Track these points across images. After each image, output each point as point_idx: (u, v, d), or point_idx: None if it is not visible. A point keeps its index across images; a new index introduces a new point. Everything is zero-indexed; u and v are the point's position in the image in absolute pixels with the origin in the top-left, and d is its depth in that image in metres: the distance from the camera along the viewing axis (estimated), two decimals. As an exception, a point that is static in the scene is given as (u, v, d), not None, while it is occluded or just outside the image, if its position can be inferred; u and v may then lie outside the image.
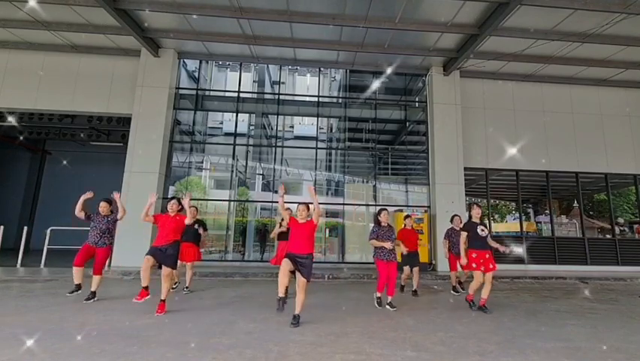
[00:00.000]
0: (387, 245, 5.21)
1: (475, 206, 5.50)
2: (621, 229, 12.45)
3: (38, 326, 3.97)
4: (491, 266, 5.19)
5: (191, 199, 5.03)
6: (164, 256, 4.71)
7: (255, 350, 3.33)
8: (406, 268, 6.44)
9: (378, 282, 5.36)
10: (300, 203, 4.61)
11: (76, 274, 5.32)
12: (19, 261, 8.85)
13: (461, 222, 6.26)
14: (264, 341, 3.60)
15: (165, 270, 4.68)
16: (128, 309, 4.88)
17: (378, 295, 5.34)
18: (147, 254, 4.68)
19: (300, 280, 4.27)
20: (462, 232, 5.48)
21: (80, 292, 5.35)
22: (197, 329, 4.01)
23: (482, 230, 5.28)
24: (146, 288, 4.75)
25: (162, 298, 4.66)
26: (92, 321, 4.21)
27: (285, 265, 4.25)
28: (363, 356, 3.26)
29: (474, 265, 5.19)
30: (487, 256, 5.22)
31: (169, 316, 4.55)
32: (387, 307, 5.21)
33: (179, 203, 5.03)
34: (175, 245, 4.87)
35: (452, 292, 6.69)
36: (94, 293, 5.33)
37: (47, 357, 3.07)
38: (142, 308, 4.89)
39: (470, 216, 5.53)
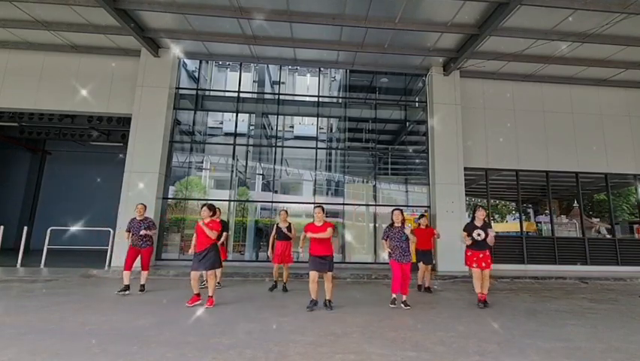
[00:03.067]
0: (389, 248, 5.52)
1: (480, 208, 5.71)
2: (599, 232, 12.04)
3: (38, 326, 3.97)
4: (484, 265, 5.52)
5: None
6: (200, 263, 5.22)
7: (255, 350, 3.33)
8: (421, 265, 6.84)
9: (392, 282, 5.48)
10: (315, 206, 5.36)
11: (126, 276, 5.99)
12: (19, 261, 8.85)
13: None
14: (264, 341, 3.60)
15: (207, 272, 5.26)
16: (129, 309, 4.89)
17: (394, 295, 5.45)
18: (192, 270, 5.29)
19: (327, 274, 5.17)
20: (463, 232, 5.78)
21: (128, 291, 5.90)
22: (197, 329, 4.01)
23: (478, 235, 5.54)
24: (198, 294, 5.29)
25: (210, 294, 5.20)
26: (92, 321, 4.21)
27: (314, 275, 5.08)
28: (363, 356, 3.26)
29: (469, 263, 5.63)
30: (481, 255, 5.55)
31: (169, 316, 4.55)
32: (402, 305, 5.31)
33: (210, 209, 5.38)
34: (211, 248, 5.28)
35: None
36: (143, 286, 6.17)
37: (47, 357, 3.07)
38: (142, 308, 4.90)
39: (473, 218, 5.79)
